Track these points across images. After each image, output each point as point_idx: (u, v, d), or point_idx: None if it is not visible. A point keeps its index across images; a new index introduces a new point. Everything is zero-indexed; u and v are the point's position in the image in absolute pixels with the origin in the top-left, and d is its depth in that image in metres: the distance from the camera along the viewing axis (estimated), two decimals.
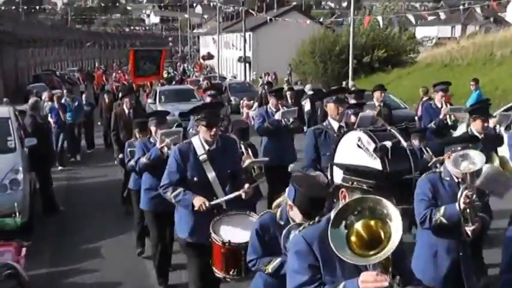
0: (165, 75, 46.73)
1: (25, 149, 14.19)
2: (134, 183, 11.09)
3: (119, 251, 12.12)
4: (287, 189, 5.49)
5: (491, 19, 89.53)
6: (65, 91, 24.45)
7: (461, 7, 65.42)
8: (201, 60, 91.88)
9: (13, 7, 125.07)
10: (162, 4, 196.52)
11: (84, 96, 31.11)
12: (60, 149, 21.42)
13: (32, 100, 16.56)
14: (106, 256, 11.79)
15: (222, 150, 7.54)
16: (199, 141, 7.45)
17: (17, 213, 11.65)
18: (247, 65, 67.27)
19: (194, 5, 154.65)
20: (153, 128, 9.88)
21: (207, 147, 7.42)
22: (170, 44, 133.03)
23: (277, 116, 12.20)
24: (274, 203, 5.98)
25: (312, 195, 5.21)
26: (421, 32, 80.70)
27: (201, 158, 7.39)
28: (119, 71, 52.12)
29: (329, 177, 8.06)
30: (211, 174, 7.41)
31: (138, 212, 11.22)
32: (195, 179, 7.36)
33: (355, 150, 7.74)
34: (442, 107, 13.41)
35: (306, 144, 8.89)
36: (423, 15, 69.46)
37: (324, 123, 9.03)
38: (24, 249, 9.45)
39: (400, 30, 50.82)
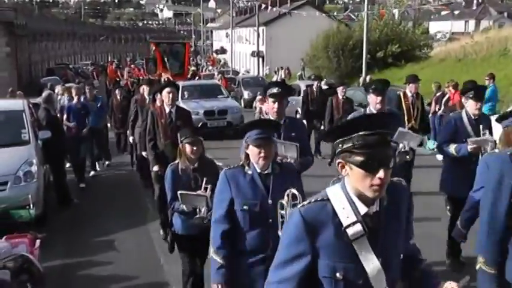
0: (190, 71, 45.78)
1: (39, 142, 14.25)
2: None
3: (132, 243, 12.15)
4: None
5: (505, 14, 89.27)
6: (87, 89, 19.90)
7: (475, 1, 65.24)
8: (214, 55, 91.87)
9: (27, 1, 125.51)
10: None
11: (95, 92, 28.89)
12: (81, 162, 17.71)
13: (45, 93, 16.56)
14: (120, 249, 11.81)
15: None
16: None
17: (31, 205, 11.67)
18: (260, 59, 67.27)
19: None
20: (187, 148, 8.08)
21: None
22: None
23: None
24: None
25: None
26: (434, 27, 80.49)
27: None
28: (132, 65, 51.84)
29: None
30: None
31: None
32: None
33: None
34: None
35: None
36: (436, 10, 69.34)
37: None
38: (38, 241, 9.48)
39: (413, 25, 50.66)
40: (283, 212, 5.65)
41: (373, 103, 9.22)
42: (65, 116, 17.46)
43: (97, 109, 19.12)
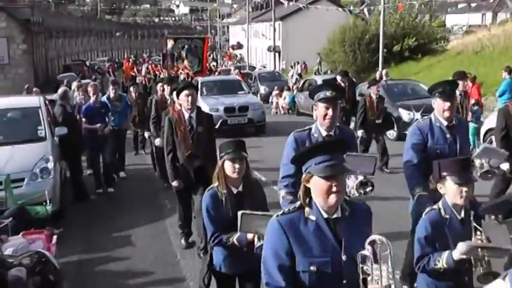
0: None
1: (55, 138, 14.28)
2: None
3: (149, 239, 12.14)
4: None
5: None
6: (112, 88, 17.67)
7: None
8: (231, 50, 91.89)
9: None
10: None
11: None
12: (105, 168, 16.36)
13: (61, 90, 16.59)
14: (136, 244, 11.81)
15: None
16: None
17: (48, 201, 11.70)
18: (276, 54, 67.20)
19: None
20: (228, 167, 6.40)
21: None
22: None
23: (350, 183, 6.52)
24: None
25: None
26: (451, 19, 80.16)
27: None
28: (150, 61, 51.51)
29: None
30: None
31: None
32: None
33: None
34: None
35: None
36: (453, 2, 69.03)
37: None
38: (55, 237, 9.49)
39: (430, 18, 50.43)
40: (366, 267, 4.35)
41: (440, 110, 7.66)
42: (84, 119, 15.84)
43: (121, 109, 17.40)
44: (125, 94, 20.01)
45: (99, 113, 15.88)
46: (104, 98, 17.21)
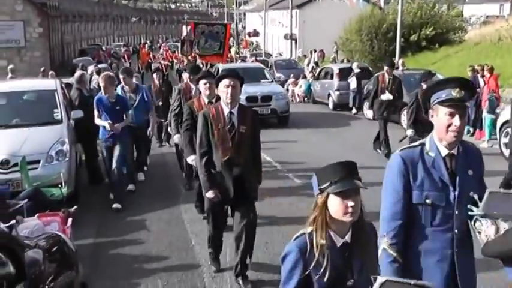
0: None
1: (71, 121, 14.29)
2: None
3: (163, 224, 12.13)
4: None
5: None
6: (121, 78, 15.13)
7: None
8: (247, 37, 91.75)
9: None
10: None
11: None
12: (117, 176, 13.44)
13: (77, 73, 16.62)
14: (151, 229, 11.78)
15: None
16: None
17: (63, 183, 11.73)
18: (293, 42, 67.04)
19: None
20: (337, 205, 4.16)
21: None
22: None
23: None
24: None
25: None
26: (468, 10, 79.66)
27: None
28: (166, 47, 51.01)
29: None
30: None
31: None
32: None
33: None
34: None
35: None
36: None
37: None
38: (70, 219, 9.50)
39: (448, 8, 50.09)
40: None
41: (444, 126, 4.83)
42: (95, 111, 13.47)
43: (138, 103, 14.92)
44: (143, 85, 17.10)
45: (113, 111, 13.30)
46: (119, 90, 14.83)
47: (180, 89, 13.66)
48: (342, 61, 41.86)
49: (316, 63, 46.32)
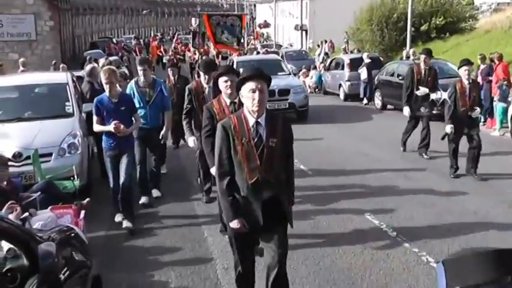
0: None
1: (83, 114, 14.34)
2: None
3: (176, 216, 12.18)
4: None
5: None
6: (140, 70, 13.05)
7: None
8: (258, 29, 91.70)
9: None
10: None
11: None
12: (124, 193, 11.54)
13: (89, 67, 16.68)
14: (163, 221, 11.82)
15: None
16: None
17: (76, 176, 11.78)
18: (303, 33, 66.96)
19: None
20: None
21: None
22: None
23: None
24: None
25: None
26: None
27: None
28: (178, 40, 50.20)
29: None
30: None
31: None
32: None
33: None
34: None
35: None
36: None
37: None
38: (83, 212, 9.54)
39: None
40: None
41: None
42: (94, 116, 11.52)
43: (154, 100, 12.98)
44: (162, 80, 14.35)
45: (117, 112, 11.23)
46: (132, 84, 13.22)
47: (191, 89, 12.00)
48: (353, 51, 41.80)
49: (327, 54, 46.26)
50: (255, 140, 6.64)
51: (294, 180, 7.18)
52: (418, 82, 16.43)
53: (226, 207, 6.83)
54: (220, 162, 6.76)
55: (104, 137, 11.55)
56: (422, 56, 16.72)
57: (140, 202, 12.85)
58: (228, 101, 9.30)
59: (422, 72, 16.50)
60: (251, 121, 6.66)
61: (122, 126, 11.05)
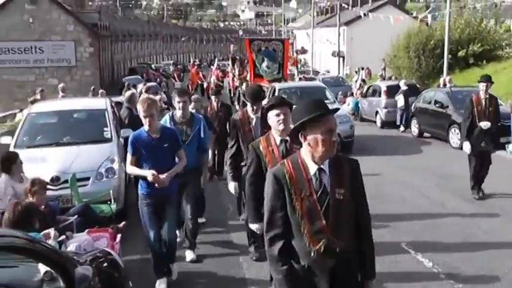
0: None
1: (121, 140, 14.54)
2: None
3: (212, 241, 12.26)
4: None
5: None
6: (177, 102, 10.70)
7: None
8: (295, 55, 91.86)
9: (111, 3, 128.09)
10: None
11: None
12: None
13: (128, 93, 16.91)
14: (199, 246, 11.72)
15: None
16: None
17: (112, 200, 11.97)
18: (340, 59, 67.01)
19: None
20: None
21: None
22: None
23: None
24: None
25: None
26: None
27: None
28: (218, 69, 50.00)
29: None
30: None
31: None
32: None
33: None
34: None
35: None
36: None
37: None
38: (119, 236, 9.65)
39: (495, 23, 49.55)
40: None
41: None
42: (129, 156, 9.53)
43: (192, 138, 10.83)
44: (200, 115, 12.20)
45: (159, 152, 9.30)
46: (166, 118, 11.05)
47: (236, 120, 10.36)
48: (390, 78, 41.72)
49: (364, 81, 46.21)
50: (319, 192, 5.11)
51: (373, 245, 5.42)
52: (478, 113, 14.58)
53: (278, 279, 5.14)
54: (272, 222, 5.18)
55: (140, 183, 9.68)
56: (482, 84, 14.64)
57: (188, 260, 11.03)
58: (278, 140, 7.68)
59: (483, 102, 14.65)
60: (312, 169, 5.15)
61: (162, 176, 9.12)
